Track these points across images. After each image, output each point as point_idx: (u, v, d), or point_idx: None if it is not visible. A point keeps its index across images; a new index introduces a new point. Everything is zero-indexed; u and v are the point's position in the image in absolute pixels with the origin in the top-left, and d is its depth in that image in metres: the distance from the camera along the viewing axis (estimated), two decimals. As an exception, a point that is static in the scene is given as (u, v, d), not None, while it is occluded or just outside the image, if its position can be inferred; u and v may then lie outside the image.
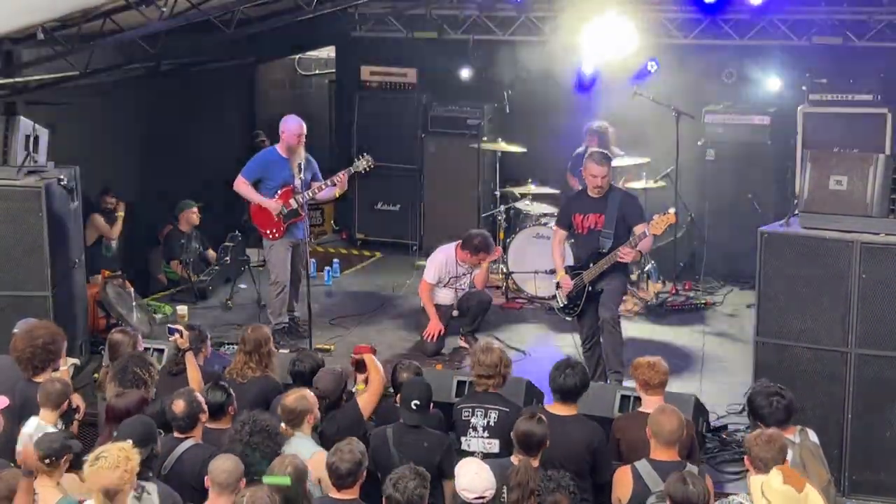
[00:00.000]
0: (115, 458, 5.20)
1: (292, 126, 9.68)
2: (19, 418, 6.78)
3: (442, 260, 9.84)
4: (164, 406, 6.40)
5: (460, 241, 9.81)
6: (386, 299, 11.13)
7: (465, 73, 12.37)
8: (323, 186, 9.75)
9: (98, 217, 11.13)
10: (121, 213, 11.28)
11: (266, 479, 5.55)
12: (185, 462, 6.16)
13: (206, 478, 5.67)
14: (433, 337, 9.67)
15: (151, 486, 5.70)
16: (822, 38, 11.01)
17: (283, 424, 6.31)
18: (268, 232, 9.77)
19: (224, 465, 5.59)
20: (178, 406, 6.29)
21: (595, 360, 8.70)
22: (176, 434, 6.30)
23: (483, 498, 5.53)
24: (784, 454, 5.72)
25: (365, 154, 9.85)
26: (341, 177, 9.76)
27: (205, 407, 6.44)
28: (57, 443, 5.83)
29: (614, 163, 11.02)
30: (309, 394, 6.49)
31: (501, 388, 6.93)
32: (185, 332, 7.43)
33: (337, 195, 10.12)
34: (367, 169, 9.90)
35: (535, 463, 5.99)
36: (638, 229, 8.46)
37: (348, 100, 13.20)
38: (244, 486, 5.57)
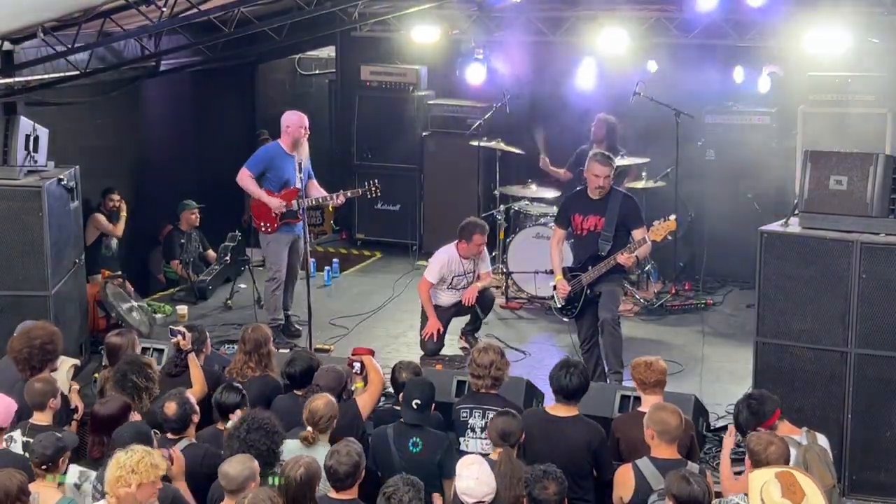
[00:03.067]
0: (138, 464, 5.22)
1: (295, 119, 9.72)
2: (18, 419, 6.77)
3: (444, 259, 9.61)
4: (156, 409, 6.39)
5: (457, 239, 9.73)
6: (386, 299, 11.12)
7: (466, 73, 12.33)
8: (328, 198, 9.80)
9: (99, 216, 11.12)
10: (124, 213, 11.29)
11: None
12: (180, 462, 6.16)
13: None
14: (432, 336, 9.64)
15: None
16: (822, 38, 10.97)
17: (308, 429, 6.20)
18: (262, 224, 9.76)
19: (227, 471, 5.54)
20: (170, 408, 6.26)
21: (594, 361, 8.69)
22: (169, 436, 6.27)
23: (482, 503, 5.54)
24: (787, 453, 5.71)
25: (375, 181, 9.96)
26: (341, 198, 9.83)
27: (196, 408, 6.41)
28: (50, 448, 5.80)
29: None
30: (332, 399, 6.42)
31: (498, 388, 6.90)
32: (188, 335, 7.40)
33: (330, 209, 10.13)
34: (373, 196, 10.00)
35: (514, 453, 5.98)
36: (637, 234, 8.42)
37: (348, 100, 13.19)
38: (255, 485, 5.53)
